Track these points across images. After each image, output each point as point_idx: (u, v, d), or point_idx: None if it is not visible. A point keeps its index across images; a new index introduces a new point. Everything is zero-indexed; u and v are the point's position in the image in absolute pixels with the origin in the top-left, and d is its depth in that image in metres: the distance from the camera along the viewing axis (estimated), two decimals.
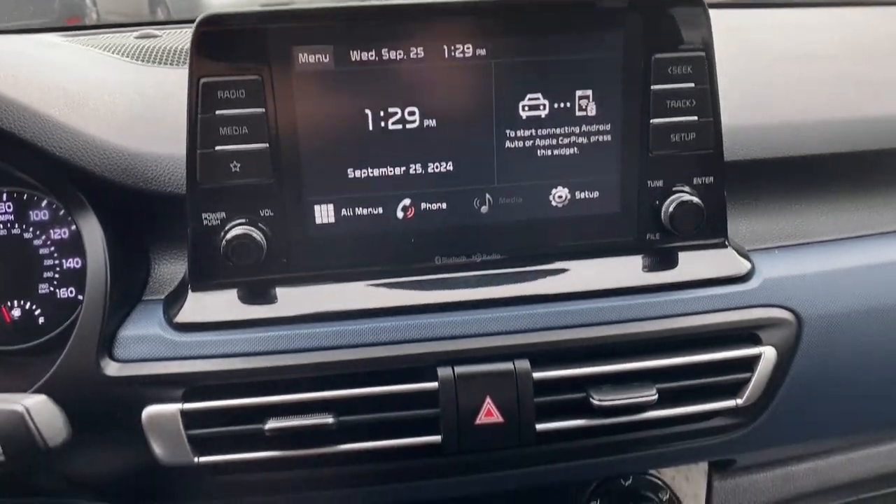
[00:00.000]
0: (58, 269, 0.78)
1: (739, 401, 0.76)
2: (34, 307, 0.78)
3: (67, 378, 0.68)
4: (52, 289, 0.78)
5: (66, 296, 0.78)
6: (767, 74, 0.93)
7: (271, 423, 0.68)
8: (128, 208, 0.74)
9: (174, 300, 0.74)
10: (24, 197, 0.78)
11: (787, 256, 0.81)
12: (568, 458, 0.76)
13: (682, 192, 0.74)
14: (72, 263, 0.79)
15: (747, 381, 0.76)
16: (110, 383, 0.68)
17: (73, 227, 0.77)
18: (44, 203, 0.78)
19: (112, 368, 0.69)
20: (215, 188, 0.70)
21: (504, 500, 0.81)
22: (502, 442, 0.72)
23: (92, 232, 0.72)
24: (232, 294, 0.74)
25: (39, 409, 0.56)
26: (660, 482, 0.82)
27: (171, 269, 0.77)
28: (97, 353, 0.69)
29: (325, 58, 0.69)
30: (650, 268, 0.77)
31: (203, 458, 0.70)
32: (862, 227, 0.86)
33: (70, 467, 0.71)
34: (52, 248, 0.78)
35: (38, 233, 0.78)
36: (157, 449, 0.69)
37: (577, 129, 0.73)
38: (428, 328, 0.72)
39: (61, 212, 0.78)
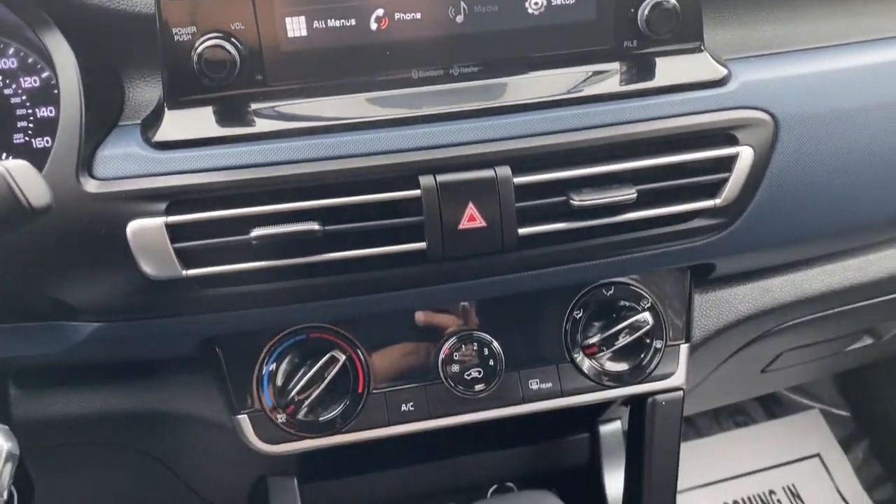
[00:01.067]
0: (31, 118, 0.77)
1: (718, 201, 0.77)
2: (10, 157, 0.77)
3: None
4: (26, 139, 0.77)
5: (41, 146, 0.77)
6: None
7: (258, 231, 0.69)
8: (98, 31, 0.73)
9: (151, 122, 0.73)
10: None
11: (763, 63, 0.81)
12: (550, 263, 0.77)
13: None
14: (46, 112, 0.78)
15: (725, 181, 0.77)
16: (92, 200, 0.68)
17: (45, 74, 0.76)
18: (11, 51, 0.76)
19: (93, 185, 0.69)
20: (184, 1, 0.68)
21: (493, 317, 0.83)
22: (486, 247, 0.73)
23: (61, 53, 0.71)
24: (208, 112, 0.73)
25: (21, 172, 0.56)
26: (642, 291, 0.84)
27: (146, 95, 0.76)
28: (77, 171, 0.68)
29: None
30: (628, 74, 0.77)
31: (191, 271, 0.71)
32: (838, 36, 0.86)
33: (63, 290, 0.71)
34: (24, 98, 0.77)
35: (7, 82, 0.76)
36: (145, 264, 0.70)
37: None
38: (408, 139, 0.73)
39: (30, 59, 0.76)
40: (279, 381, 0.80)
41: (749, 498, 1.84)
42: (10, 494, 0.70)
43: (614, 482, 0.96)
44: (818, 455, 1.91)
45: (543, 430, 0.97)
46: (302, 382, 0.79)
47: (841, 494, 1.85)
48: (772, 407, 1.98)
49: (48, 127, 0.76)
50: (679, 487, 1.84)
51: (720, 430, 1.95)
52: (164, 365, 0.81)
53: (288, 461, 0.92)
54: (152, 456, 0.90)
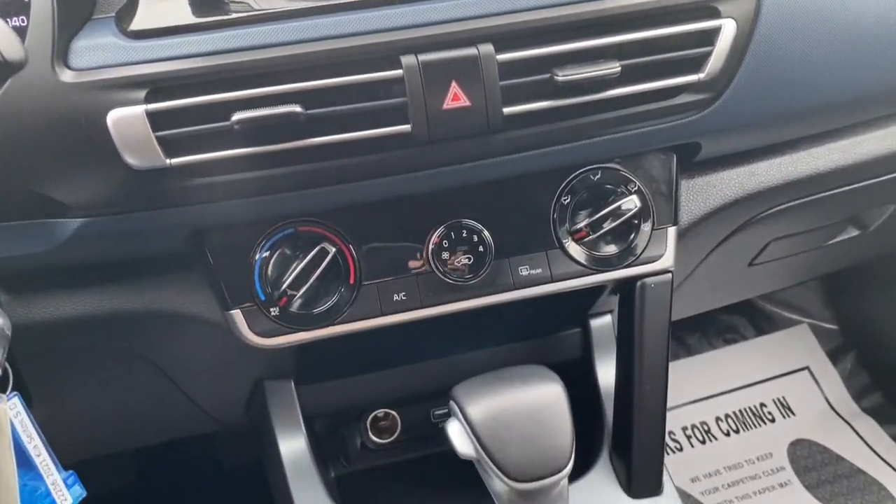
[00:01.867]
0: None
1: (702, 75, 0.77)
2: None
3: (23, 90, 0.67)
4: None
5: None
6: None
7: (238, 115, 0.68)
8: None
9: (125, 13, 0.72)
10: None
11: None
12: (537, 145, 0.77)
13: None
14: (17, 22, 0.76)
15: (708, 54, 0.77)
16: (69, 90, 0.68)
17: None
18: None
19: (69, 76, 0.68)
20: None
21: (481, 205, 0.83)
22: (471, 128, 0.73)
23: None
24: (183, 2, 0.72)
25: None
26: (629, 175, 0.85)
27: None
28: (52, 61, 0.67)
29: None
30: None
31: (175, 160, 0.70)
32: None
33: (47, 185, 0.71)
34: None
35: None
36: (128, 155, 0.69)
37: None
38: (389, 18, 0.72)
39: None
40: (270, 275, 0.80)
41: (741, 411, 1.87)
42: (5, 371, 0.70)
43: (606, 372, 0.98)
44: (807, 368, 1.94)
45: (536, 326, 0.98)
46: (293, 275, 0.79)
47: (830, 404, 1.88)
48: (761, 324, 2.01)
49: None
50: (671, 404, 1.88)
51: (711, 348, 1.97)
52: (154, 263, 0.81)
53: (284, 364, 0.93)
54: (148, 360, 0.90)
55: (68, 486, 0.67)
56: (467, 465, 0.93)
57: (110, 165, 0.70)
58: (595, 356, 1.00)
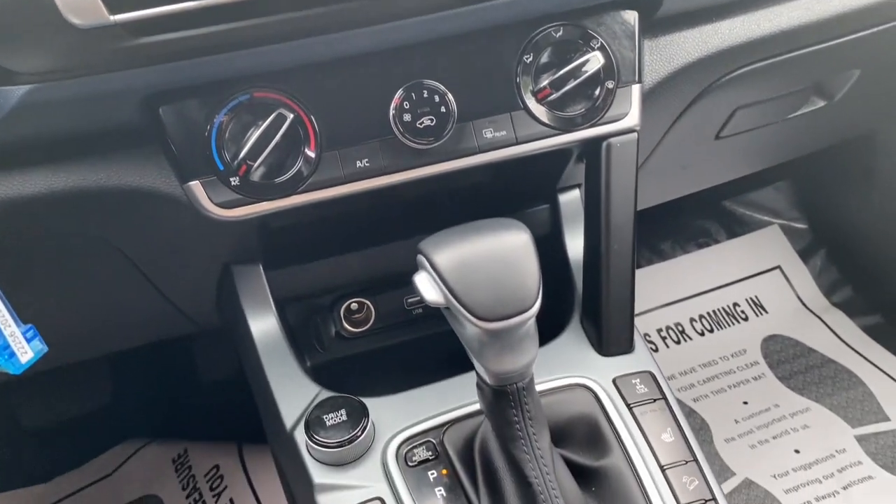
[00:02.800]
0: None
1: None
2: None
3: None
4: None
5: None
6: None
7: None
8: None
9: None
10: None
11: None
12: None
13: None
14: None
15: None
16: None
17: None
18: None
19: None
20: None
21: (442, 64, 0.81)
22: None
23: None
24: None
25: None
26: (591, 32, 0.83)
27: None
28: None
29: None
30: None
31: (118, 16, 0.67)
32: None
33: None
34: None
35: None
36: (69, 13, 0.66)
37: None
38: None
39: None
40: (227, 144, 0.78)
41: (715, 311, 1.90)
42: None
43: (575, 244, 0.98)
44: (779, 267, 1.96)
45: (505, 202, 0.97)
46: (251, 143, 0.77)
47: (801, 300, 1.91)
48: (733, 227, 2.03)
49: None
50: (647, 307, 1.91)
51: (684, 253, 1.99)
52: (109, 139, 0.79)
53: (250, 245, 0.92)
54: (113, 248, 0.88)
55: (28, 340, 0.66)
56: (443, 349, 0.93)
57: (52, 25, 0.67)
58: (564, 230, 1.00)
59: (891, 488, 1.49)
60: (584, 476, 0.77)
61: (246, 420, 1.55)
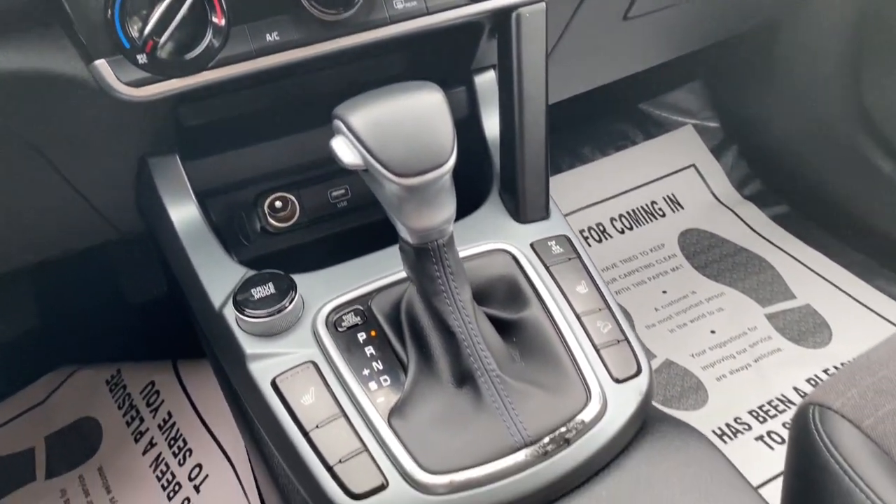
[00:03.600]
0: None
1: None
2: None
3: None
4: None
5: None
6: None
7: None
8: None
9: None
10: None
11: None
12: None
13: None
14: None
15: None
16: None
17: None
18: None
19: None
20: None
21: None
22: None
23: None
24: None
25: None
26: None
27: None
28: None
29: None
30: None
31: None
32: None
33: None
34: None
35: None
36: None
37: None
38: None
39: None
40: (132, 19, 0.76)
41: (634, 210, 1.97)
42: None
43: (491, 123, 1.00)
44: (693, 165, 2.04)
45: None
46: (156, 17, 0.75)
47: (715, 195, 2.00)
48: (649, 128, 2.09)
49: None
50: (569, 209, 1.95)
51: (603, 156, 2.05)
52: (7, 19, 0.76)
53: (164, 134, 0.91)
54: (24, 140, 0.86)
55: None
56: (368, 239, 0.95)
57: None
58: (481, 110, 1.02)
59: (796, 358, 1.61)
60: (506, 329, 0.81)
61: (178, 339, 1.55)
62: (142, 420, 1.48)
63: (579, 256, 0.89)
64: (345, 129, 0.71)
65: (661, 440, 0.75)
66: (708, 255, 1.87)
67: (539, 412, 0.73)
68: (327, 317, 0.82)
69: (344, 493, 0.70)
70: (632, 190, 2.00)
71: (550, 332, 0.80)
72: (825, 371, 1.57)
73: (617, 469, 0.73)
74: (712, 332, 1.69)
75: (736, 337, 1.67)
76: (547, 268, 0.87)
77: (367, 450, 0.72)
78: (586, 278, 0.86)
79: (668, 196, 2.00)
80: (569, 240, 0.91)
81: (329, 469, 0.71)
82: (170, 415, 1.46)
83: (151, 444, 1.45)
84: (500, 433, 0.72)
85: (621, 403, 0.75)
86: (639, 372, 0.78)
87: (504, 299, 0.84)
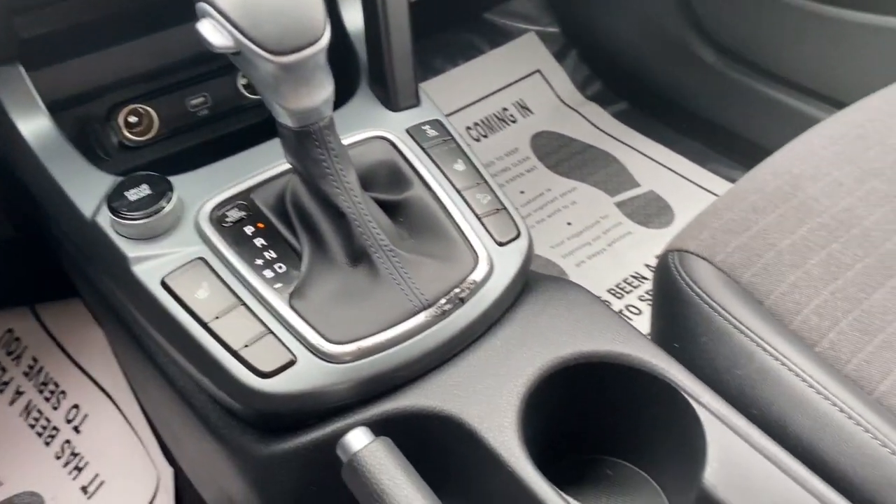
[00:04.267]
0: None
1: None
2: None
3: None
4: None
5: None
6: None
7: None
8: None
9: None
10: None
11: None
12: None
13: None
14: None
15: None
16: None
17: None
18: None
19: None
20: None
21: None
22: None
23: None
24: None
25: None
26: None
27: None
28: None
29: None
30: None
31: None
32: None
33: None
34: None
35: None
36: None
37: None
38: None
39: None
40: None
41: (487, 118, 2.03)
42: None
43: (351, 16, 1.00)
44: (538, 71, 2.12)
45: None
46: None
47: (560, 98, 2.10)
48: (496, 38, 2.14)
49: None
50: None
51: (454, 66, 2.08)
52: None
53: (3, 47, 0.84)
54: None
55: None
56: (247, 140, 0.93)
57: None
58: (340, 4, 1.02)
59: (645, 239, 1.75)
60: (391, 210, 0.83)
61: (33, 282, 1.46)
62: (3, 370, 1.40)
63: (453, 138, 0.92)
64: (211, 10, 0.69)
65: (545, 293, 0.81)
66: (559, 154, 1.96)
67: (433, 278, 0.77)
68: (210, 213, 0.81)
69: (254, 373, 0.71)
70: (484, 98, 2.05)
71: (434, 207, 0.83)
72: None
73: (508, 321, 0.79)
74: (569, 223, 1.80)
75: (590, 226, 1.79)
76: (424, 150, 0.89)
77: (271, 332, 0.73)
78: (462, 157, 0.90)
79: (517, 102, 2.07)
80: (441, 124, 0.94)
81: (235, 354, 0.72)
82: (35, 360, 1.39)
83: (18, 393, 1.37)
84: (399, 301, 0.75)
85: (506, 263, 0.80)
86: (518, 235, 0.83)
87: (386, 183, 0.86)
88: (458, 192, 0.86)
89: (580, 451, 0.80)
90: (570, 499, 0.66)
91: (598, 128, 2.03)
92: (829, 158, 0.95)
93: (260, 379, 0.71)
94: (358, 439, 0.64)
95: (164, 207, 0.79)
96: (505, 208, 0.85)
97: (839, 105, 1.51)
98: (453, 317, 0.76)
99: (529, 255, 0.83)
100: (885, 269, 0.84)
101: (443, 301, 0.76)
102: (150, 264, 0.77)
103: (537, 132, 2.02)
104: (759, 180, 0.94)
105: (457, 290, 0.76)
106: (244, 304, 0.75)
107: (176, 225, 0.81)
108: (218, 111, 1.06)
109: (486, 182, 0.88)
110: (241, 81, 1.07)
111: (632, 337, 0.76)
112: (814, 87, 1.64)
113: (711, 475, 0.67)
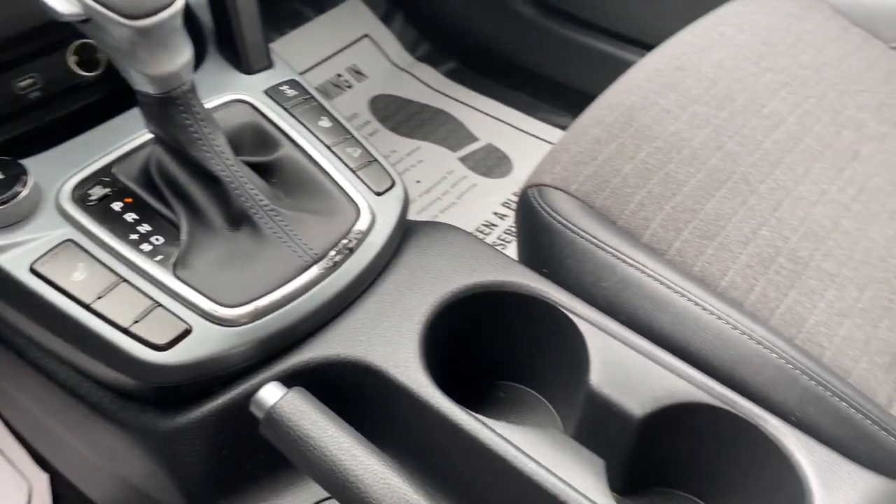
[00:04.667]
0: None
1: None
2: None
3: None
4: None
5: None
6: None
7: None
8: None
9: None
10: None
11: None
12: None
13: None
14: None
15: None
16: None
17: None
18: None
19: None
20: None
21: None
22: None
23: None
24: None
25: None
26: None
27: None
28: None
29: None
30: None
31: None
32: None
33: None
34: None
35: None
36: None
37: None
38: None
39: None
40: None
41: (322, 85, 2.02)
42: None
43: None
44: (367, 35, 2.14)
45: None
46: None
47: (391, 61, 2.13)
48: (321, 4, 2.13)
49: None
50: None
51: (282, 36, 2.05)
52: None
53: None
54: None
55: None
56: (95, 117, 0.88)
57: None
58: None
59: (490, 189, 1.83)
60: (263, 171, 0.83)
61: None
62: None
63: (313, 96, 0.93)
64: None
65: (425, 236, 0.85)
66: (398, 116, 2.00)
67: (319, 232, 0.78)
68: (71, 193, 0.77)
69: (150, 347, 0.70)
70: (316, 66, 2.05)
71: (307, 164, 0.84)
72: (515, 194, 1.83)
73: (395, 266, 0.82)
74: (418, 181, 1.84)
75: (438, 182, 1.85)
76: (286, 110, 0.90)
77: (160, 305, 0.72)
78: (326, 114, 0.91)
79: (350, 68, 2.08)
80: (298, 83, 0.94)
81: (125, 331, 0.70)
82: None
83: None
84: (288, 258, 0.76)
85: (386, 211, 0.83)
86: (394, 184, 0.86)
87: (253, 145, 0.86)
88: (328, 147, 0.87)
89: (479, 378, 0.86)
90: (478, 416, 0.71)
91: (431, 87, 2.09)
92: (654, 90, 1.06)
93: (156, 352, 0.70)
94: (272, 393, 0.65)
95: (20, 192, 0.74)
96: (376, 160, 0.88)
97: (650, 48, 1.66)
98: (344, 267, 0.78)
99: (406, 203, 0.86)
100: (714, 182, 0.95)
101: (332, 253, 0.77)
102: (14, 253, 0.73)
103: (374, 96, 2.04)
104: (597, 115, 1.03)
105: (345, 241, 0.78)
106: (126, 280, 0.73)
107: (35, 210, 0.76)
108: (52, 92, 0.99)
109: (353, 136, 0.90)
110: (73, 59, 1.01)
111: (509, 265, 0.82)
112: (627, 33, 1.79)
113: (595, 376, 0.75)
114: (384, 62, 2.12)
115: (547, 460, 0.68)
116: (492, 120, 2.01)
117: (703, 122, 1.02)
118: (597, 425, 0.75)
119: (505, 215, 1.78)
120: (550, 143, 1.92)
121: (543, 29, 1.93)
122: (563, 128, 1.93)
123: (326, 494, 0.75)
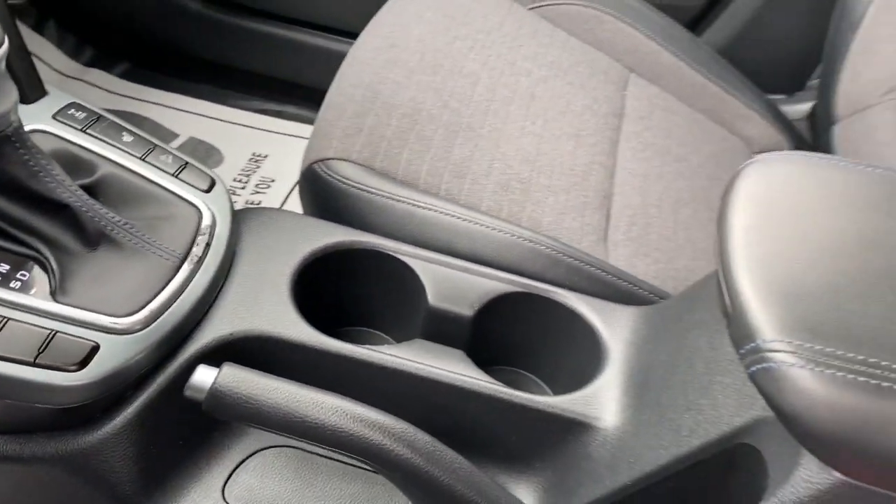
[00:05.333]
0: None
1: None
2: None
3: None
4: None
5: None
6: None
7: None
8: None
9: None
10: None
11: None
12: None
13: None
14: None
15: None
16: None
17: None
18: None
19: None
20: None
21: None
22: None
23: None
24: None
25: None
26: None
27: None
28: None
29: None
30: None
31: None
32: None
33: None
34: None
35: None
36: None
37: None
38: None
39: None
40: None
41: None
42: None
43: None
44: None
45: None
46: None
47: (60, 72, 2.02)
48: None
49: None
50: None
51: None
52: None
53: None
54: None
55: None
56: None
57: None
58: None
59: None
60: (91, 193, 0.86)
61: None
62: None
63: (103, 115, 0.96)
64: None
65: (255, 220, 0.97)
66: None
67: (173, 235, 0.86)
68: None
69: (62, 372, 0.73)
70: None
71: (132, 178, 0.90)
72: (235, 180, 1.91)
73: (244, 250, 0.93)
74: None
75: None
76: (83, 131, 0.92)
77: (57, 332, 0.75)
78: (124, 129, 0.96)
79: None
80: (81, 105, 0.97)
81: (32, 364, 0.72)
82: None
83: None
84: (157, 263, 0.83)
85: (220, 204, 0.93)
86: (214, 181, 0.96)
87: (70, 171, 0.88)
88: (141, 159, 0.93)
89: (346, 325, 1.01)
90: (363, 346, 0.87)
91: (111, 91, 2.04)
92: (381, 66, 1.27)
93: (71, 374, 0.73)
94: (207, 374, 0.74)
95: None
96: (189, 162, 0.96)
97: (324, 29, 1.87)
98: (208, 260, 0.87)
99: (230, 194, 0.96)
100: (451, 133, 1.20)
101: (195, 249, 0.86)
102: None
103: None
104: (347, 93, 1.21)
105: (201, 237, 0.87)
106: (11, 319, 0.74)
107: None
108: None
109: (159, 145, 0.96)
110: None
111: (337, 229, 0.98)
112: (301, 17, 1.96)
113: (431, 297, 0.95)
114: (52, 75, 2.01)
115: (422, 358, 0.87)
116: (186, 114, 2.04)
117: (427, 88, 1.26)
118: (440, 332, 0.96)
119: (252, 202, 1.86)
120: (254, 128, 2.03)
121: (214, 20, 2.01)
122: (262, 112, 2.05)
123: (242, 458, 0.86)
